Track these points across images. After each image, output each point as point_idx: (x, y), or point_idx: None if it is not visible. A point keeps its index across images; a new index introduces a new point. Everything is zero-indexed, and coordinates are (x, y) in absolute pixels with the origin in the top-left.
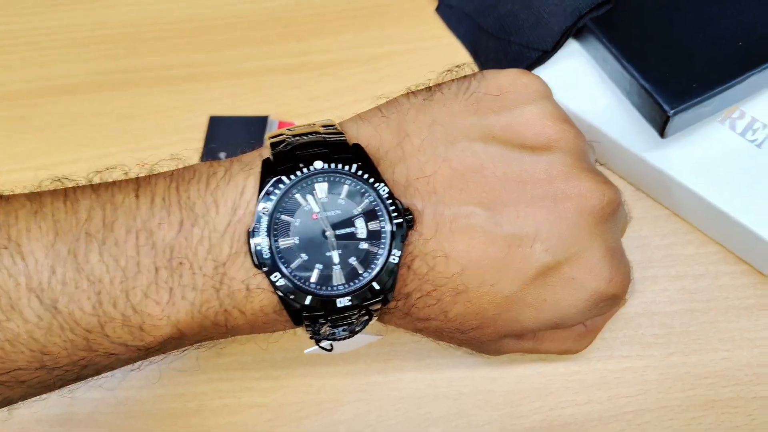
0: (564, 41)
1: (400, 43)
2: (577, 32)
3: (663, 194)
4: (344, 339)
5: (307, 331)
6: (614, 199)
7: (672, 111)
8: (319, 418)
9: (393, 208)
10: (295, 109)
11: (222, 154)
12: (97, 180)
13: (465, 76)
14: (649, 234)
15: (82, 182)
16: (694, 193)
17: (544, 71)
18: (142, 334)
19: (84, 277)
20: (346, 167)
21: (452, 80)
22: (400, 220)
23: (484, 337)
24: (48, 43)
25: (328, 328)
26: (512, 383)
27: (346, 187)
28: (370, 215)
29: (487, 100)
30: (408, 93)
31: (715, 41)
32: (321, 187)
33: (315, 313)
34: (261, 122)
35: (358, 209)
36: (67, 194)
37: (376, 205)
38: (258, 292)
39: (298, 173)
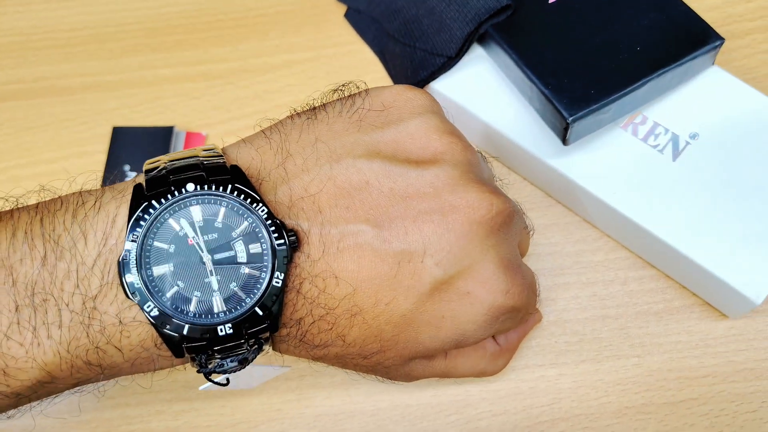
0: (467, 47)
1: (302, 51)
2: (481, 38)
3: (571, 200)
4: (235, 371)
5: (194, 365)
6: (503, 209)
7: (571, 118)
8: None
9: (273, 228)
10: (199, 119)
11: (126, 166)
12: None
13: (350, 95)
14: (560, 241)
15: None
16: (598, 199)
17: (449, 77)
18: (7, 378)
19: None
20: (221, 188)
21: (337, 99)
22: (282, 240)
23: (389, 362)
24: None
25: (216, 361)
26: (429, 396)
27: (222, 209)
28: (250, 237)
29: (370, 117)
30: (292, 114)
31: (614, 47)
32: (195, 211)
33: (196, 344)
34: (166, 132)
35: (237, 232)
36: None
37: (256, 227)
38: (134, 326)
39: (169, 197)
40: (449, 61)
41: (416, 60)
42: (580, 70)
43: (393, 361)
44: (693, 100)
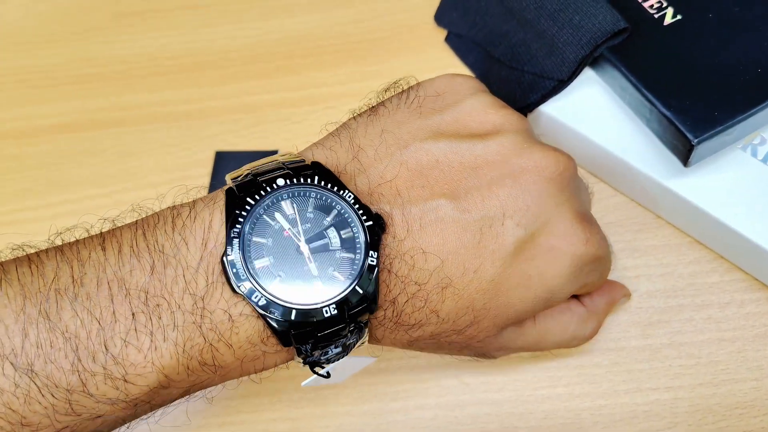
0: (580, 70)
1: (402, 74)
2: (593, 60)
3: (685, 222)
4: (338, 358)
5: (299, 355)
6: (569, 165)
7: (696, 140)
8: None
9: (362, 212)
10: (300, 143)
11: None
12: (59, 241)
13: (403, 90)
14: (672, 262)
15: (44, 247)
16: (718, 221)
17: (560, 100)
18: (127, 386)
19: (59, 334)
20: (309, 180)
21: (393, 95)
22: (371, 222)
23: (483, 334)
24: (40, 80)
25: (318, 352)
26: (539, 419)
27: (312, 201)
28: (340, 224)
29: (428, 103)
30: (354, 116)
31: (735, 67)
32: (287, 204)
33: (303, 330)
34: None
35: (328, 220)
36: (31, 259)
37: (345, 213)
38: (241, 320)
39: (263, 193)
40: (560, 84)
41: (525, 83)
42: (702, 91)
43: (487, 332)
44: None
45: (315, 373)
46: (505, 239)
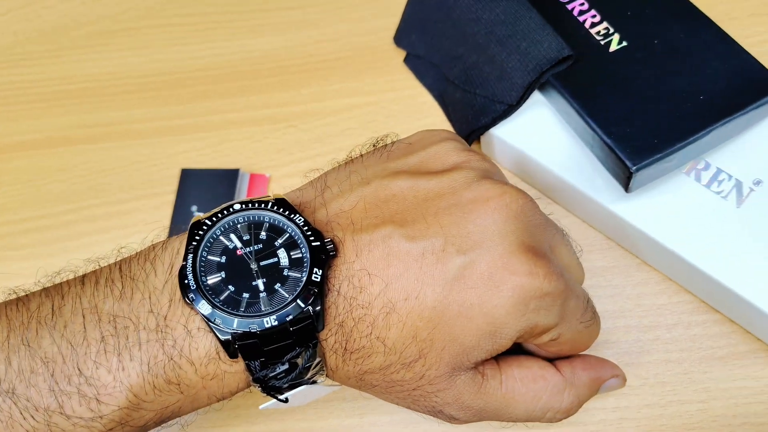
0: (528, 95)
1: (363, 95)
2: (541, 85)
3: (632, 244)
4: (288, 379)
5: (249, 371)
6: (517, 198)
7: (635, 167)
8: None
9: (310, 234)
10: (263, 161)
11: (194, 207)
12: (48, 284)
13: (384, 145)
14: (621, 283)
15: (31, 290)
16: (661, 245)
17: (510, 123)
18: (99, 405)
19: (38, 360)
20: (263, 206)
21: (374, 149)
22: (318, 243)
23: (432, 372)
24: (15, 98)
25: (267, 369)
26: None
27: (266, 224)
28: (291, 246)
29: (398, 150)
30: (335, 165)
31: (676, 95)
32: (243, 227)
33: (247, 341)
34: (232, 175)
35: (279, 241)
36: (20, 298)
37: (296, 236)
38: (199, 335)
39: (219, 215)
40: (510, 108)
41: (477, 106)
42: (643, 118)
43: (436, 370)
44: (757, 147)
45: (274, 396)
46: (445, 264)
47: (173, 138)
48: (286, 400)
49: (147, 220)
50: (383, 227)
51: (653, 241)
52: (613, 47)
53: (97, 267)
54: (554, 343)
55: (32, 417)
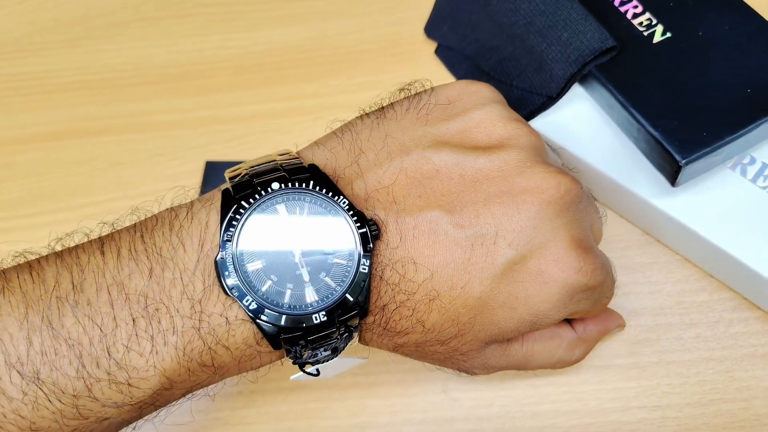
0: (569, 87)
1: (391, 87)
2: (582, 77)
3: (674, 240)
4: (327, 360)
5: (289, 356)
6: (571, 188)
7: (684, 161)
8: None
9: (355, 218)
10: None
11: None
12: (59, 247)
13: (416, 93)
14: (661, 280)
15: (45, 253)
16: (706, 241)
17: (549, 116)
18: (131, 389)
19: (62, 341)
20: (303, 185)
21: (404, 98)
22: (364, 229)
23: (466, 347)
24: (32, 88)
25: (309, 351)
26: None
27: (306, 205)
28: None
29: (437, 111)
30: (362, 115)
31: (723, 87)
32: (281, 208)
33: (292, 335)
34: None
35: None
36: (32, 265)
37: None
38: (238, 324)
39: (257, 197)
40: (549, 100)
41: (513, 98)
42: (689, 111)
43: (470, 346)
44: None
45: (304, 371)
46: (495, 258)
47: (196, 130)
48: (317, 373)
49: (148, 214)
50: (429, 211)
51: (697, 236)
52: (657, 38)
53: (112, 230)
54: (580, 314)
55: (59, 400)
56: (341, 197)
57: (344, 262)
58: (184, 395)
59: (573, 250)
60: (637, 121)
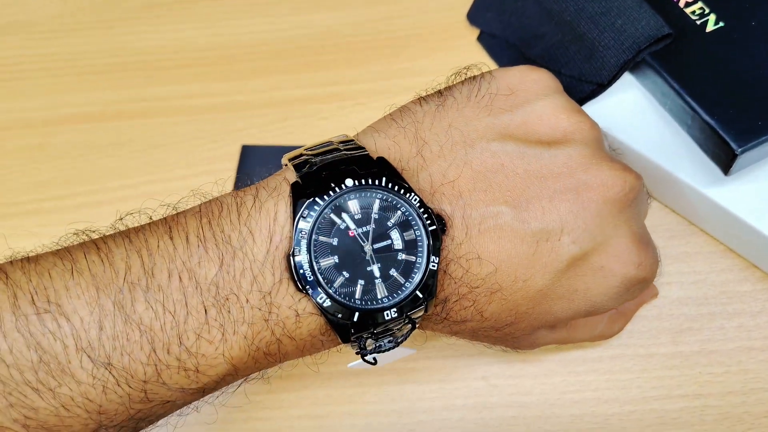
0: (621, 74)
1: (434, 74)
2: (632, 65)
3: (720, 230)
4: (388, 350)
5: (353, 347)
6: (635, 186)
7: (740, 149)
8: None
9: (426, 216)
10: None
11: None
12: (121, 226)
13: (474, 77)
14: (705, 270)
15: (104, 231)
16: (755, 230)
17: (597, 104)
18: (198, 375)
19: (134, 327)
20: (376, 181)
21: (462, 82)
22: (434, 227)
23: (519, 332)
24: (65, 69)
25: (372, 342)
26: (567, 423)
27: (377, 201)
28: (404, 226)
29: (499, 100)
30: (419, 99)
31: None
32: (353, 204)
33: (362, 330)
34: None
35: (392, 221)
36: (99, 246)
37: (409, 215)
38: (306, 316)
39: (331, 193)
40: (599, 88)
41: (562, 85)
42: (745, 100)
43: (522, 332)
44: None
45: (364, 360)
46: (559, 254)
47: (233, 114)
48: (375, 362)
49: (207, 197)
50: (494, 206)
51: (745, 225)
52: (710, 28)
53: (174, 211)
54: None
55: (128, 385)
56: (412, 194)
57: (414, 258)
58: (244, 379)
59: (634, 246)
60: (693, 110)
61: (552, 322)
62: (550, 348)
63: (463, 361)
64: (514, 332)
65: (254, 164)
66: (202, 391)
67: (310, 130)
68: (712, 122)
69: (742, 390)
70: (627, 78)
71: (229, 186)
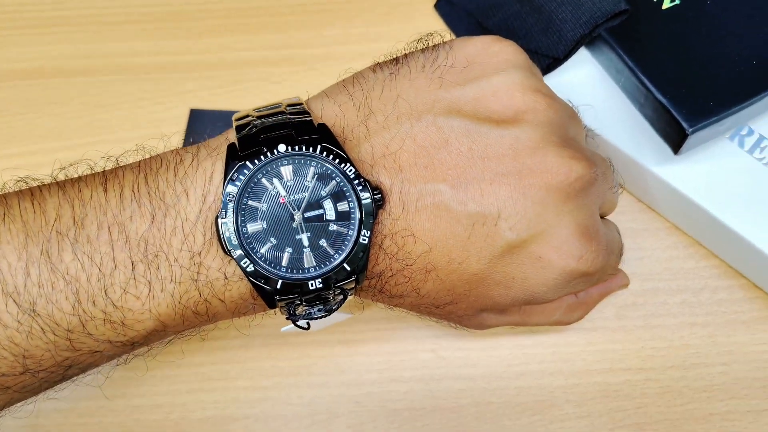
0: (577, 49)
1: (389, 41)
2: (589, 41)
3: (667, 208)
4: (321, 317)
5: (283, 312)
6: (583, 175)
7: (691, 129)
8: (310, 431)
9: (360, 188)
10: None
11: None
12: (62, 176)
13: (433, 46)
14: (650, 246)
15: (47, 181)
16: (701, 209)
17: (552, 79)
18: (125, 329)
19: (60, 276)
20: (311, 149)
21: (421, 50)
22: (368, 200)
23: (461, 312)
24: (3, 22)
25: (304, 308)
26: (513, 395)
27: (312, 169)
28: (337, 196)
29: (453, 73)
30: (375, 66)
31: (731, 58)
32: (287, 170)
33: (288, 297)
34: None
35: (326, 190)
36: (33, 194)
37: (344, 186)
38: (235, 280)
39: (262, 158)
40: (555, 62)
41: None
42: (698, 80)
43: (464, 312)
44: None
45: (296, 325)
46: (494, 240)
47: (181, 75)
48: (308, 327)
49: (151, 153)
50: (434, 183)
51: (693, 204)
52: (666, 5)
53: (116, 165)
54: (578, 291)
55: (53, 333)
56: (348, 165)
57: (344, 230)
58: (176, 335)
59: (576, 238)
60: (646, 87)
61: (492, 306)
62: None
63: (412, 333)
64: (455, 311)
65: (203, 129)
66: (131, 344)
67: (262, 94)
68: (664, 101)
69: (683, 365)
70: (582, 53)
71: (151, 153)
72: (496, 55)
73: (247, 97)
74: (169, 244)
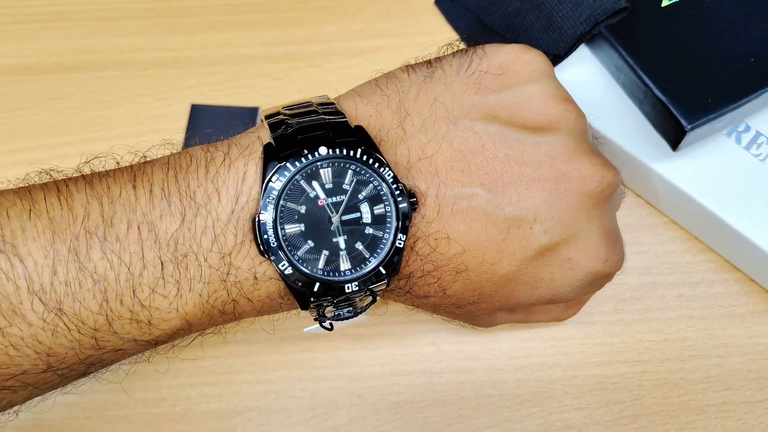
0: (577, 46)
1: (390, 37)
2: (589, 38)
3: (665, 203)
4: (348, 319)
5: (312, 313)
6: (613, 182)
7: (689, 126)
8: (312, 423)
9: (398, 192)
10: (281, 100)
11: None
12: (87, 170)
13: (466, 50)
14: (648, 241)
15: (70, 173)
16: (698, 204)
17: None
18: (151, 328)
19: (87, 275)
20: (351, 152)
21: (453, 54)
22: (405, 204)
23: (479, 312)
24: (1, 18)
25: (332, 309)
26: (512, 388)
27: (350, 173)
28: (374, 200)
29: (488, 79)
30: (407, 67)
31: (729, 56)
32: (326, 173)
33: (322, 299)
34: (250, 113)
35: (363, 194)
36: (59, 188)
37: (381, 189)
38: (264, 280)
39: (303, 160)
40: (555, 59)
41: None
42: (696, 77)
43: (483, 311)
44: None
45: (322, 325)
46: (528, 243)
47: (181, 71)
48: (331, 328)
49: (178, 148)
50: (470, 187)
51: (690, 199)
52: (665, 2)
53: (142, 159)
54: None
55: (78, 331)
56: (386, 169)
57: (381, 233)
58: (200, 333)
59: (603, 242)
60: (645, 85)
61: (513, 306)
62: None
63: (413, 327)
64: (474, 311)
65: (204, 125)
66: (155, 343)
67: (263, 90)
68: (663, 98)
69: (680, 357)
70: (582, 50)
71: (177, 147)
72: (528, 64)
73: (248, 93)
74: (199, 244)
